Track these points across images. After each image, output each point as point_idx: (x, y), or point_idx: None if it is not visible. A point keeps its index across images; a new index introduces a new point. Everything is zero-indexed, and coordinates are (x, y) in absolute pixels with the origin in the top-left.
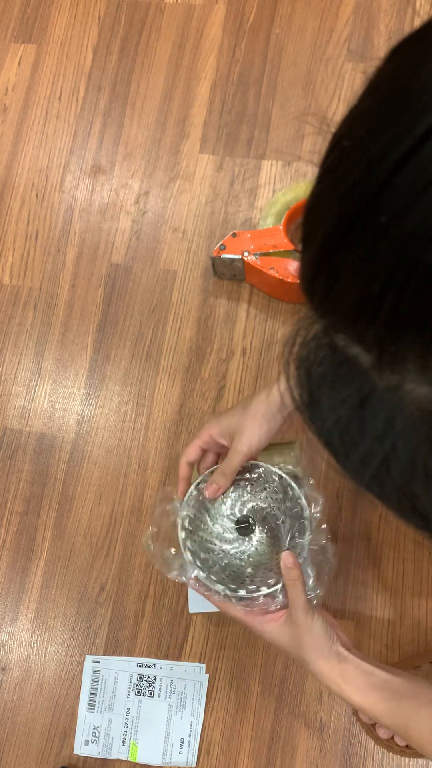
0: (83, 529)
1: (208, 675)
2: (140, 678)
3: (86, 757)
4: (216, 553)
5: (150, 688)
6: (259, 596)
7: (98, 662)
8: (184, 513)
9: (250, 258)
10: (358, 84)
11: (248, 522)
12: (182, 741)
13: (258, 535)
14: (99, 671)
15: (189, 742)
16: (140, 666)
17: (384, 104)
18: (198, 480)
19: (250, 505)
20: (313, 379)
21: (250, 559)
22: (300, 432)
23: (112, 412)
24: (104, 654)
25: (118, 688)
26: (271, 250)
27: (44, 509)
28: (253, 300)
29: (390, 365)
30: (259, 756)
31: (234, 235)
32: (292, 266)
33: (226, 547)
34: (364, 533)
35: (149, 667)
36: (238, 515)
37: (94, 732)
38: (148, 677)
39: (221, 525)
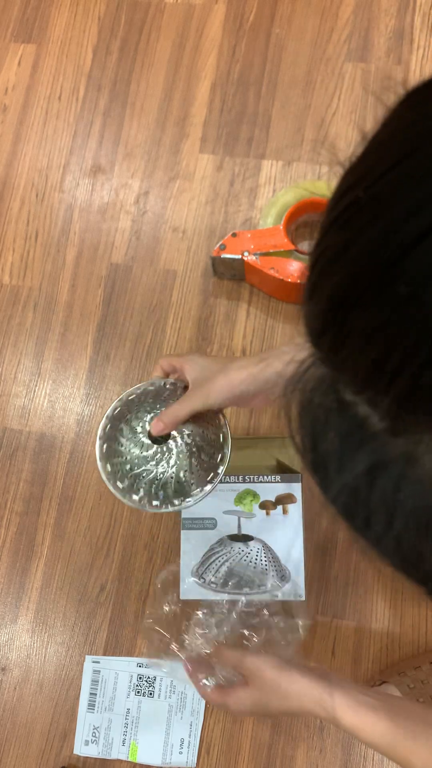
0: (83, 529)
1: None
2: (140, 678)
3: (86, 758)
4: (135, 469)
5: (150, 689)
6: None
7: (98, 662)
8: (101, 443)
9: (250, 258)
10: (358, 82)
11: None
12: (182, 741)
13: (178, 446)
14: (99, 671)
15: (189, 742)
16: (140, 666)
17: (408, 160)
18: (118, 401)
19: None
20: (317, 432)
21: (176, 471)
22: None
23: None
24: (104, 654)
25: (118, 688)
26: (271, 250)
27: (44, 509)
28: (253, 300)
29: (404, 434)
30: (259, 756)
31: (234, 234)
32: (292, 266)
33: (147, 467)
34: None
35: (149, 667)
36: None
37: (94, 732)
38: (148, 677)
39: (139, 441)
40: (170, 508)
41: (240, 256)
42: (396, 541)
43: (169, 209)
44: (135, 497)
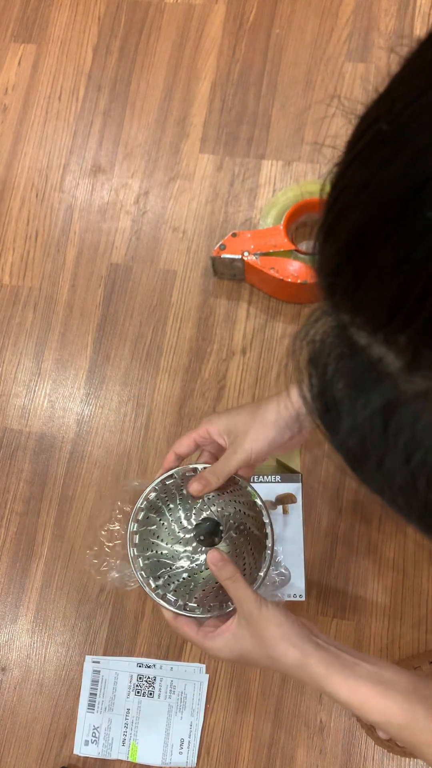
0: (83, 529)
1: (208, 675)
2: (140, 678)
3: (86, 758)
4: (171, 566)
5: (150, 689)
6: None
7: (98, 662)
8: (134, 526)
9: (250, 258)
10: (358, 82)
11: (214, 528)
12: (182, 741)
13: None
14: (99, 671)
15: (189, 742)
16: (140, 666)
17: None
18: (156, 481)
19: (210, 511)
20: (327, 379)
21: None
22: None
23: (112, 412)
24: (104, 654)
25: (118, 688)
26: (271, 250)
27: (44, 509)
28: (253, 300)
29: (422, 370)
30: (259, 756)
31: (234, 234)
32: (292, 266)
33: (183, 563)
34: (365, 533)
35: (149, 667)
36: (194, 523)
37: (94, 732)
38: (148, 677)
39: (176, 534)
40: (209, 615)
41: (240, 256)
42: (412, 482)
43: (169, 209)
44: (171, 597)
